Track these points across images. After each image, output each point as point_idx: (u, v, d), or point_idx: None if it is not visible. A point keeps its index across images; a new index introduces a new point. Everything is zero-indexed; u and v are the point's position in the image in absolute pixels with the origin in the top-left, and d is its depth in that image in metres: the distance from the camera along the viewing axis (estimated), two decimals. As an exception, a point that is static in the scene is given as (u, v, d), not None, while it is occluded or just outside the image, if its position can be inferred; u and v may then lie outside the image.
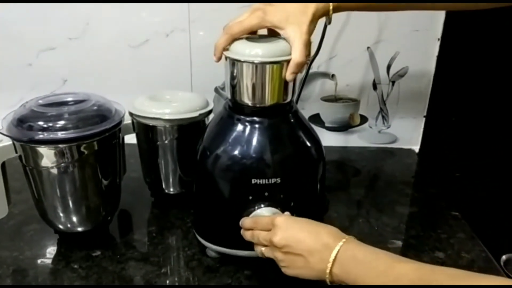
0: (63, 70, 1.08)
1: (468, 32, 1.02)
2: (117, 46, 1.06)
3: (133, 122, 0.84)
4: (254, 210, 0.68)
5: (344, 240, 0.57)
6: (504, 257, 0.91)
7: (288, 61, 0.65)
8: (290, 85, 0.68)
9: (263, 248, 0.64)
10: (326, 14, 0.68)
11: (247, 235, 0.67)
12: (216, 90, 1.05)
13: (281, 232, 0.61)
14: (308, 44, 0.66)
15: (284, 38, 0.68)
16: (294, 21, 0.65)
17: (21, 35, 1.05)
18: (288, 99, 0.69)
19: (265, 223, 0.64)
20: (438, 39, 1.06)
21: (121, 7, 1.03)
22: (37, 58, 1.07)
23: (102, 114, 0.74)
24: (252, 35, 0.70)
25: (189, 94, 0.90)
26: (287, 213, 0.68)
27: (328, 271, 0.56)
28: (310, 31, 0.66)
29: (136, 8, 1.03)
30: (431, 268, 0.49)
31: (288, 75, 0.66)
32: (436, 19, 1.05)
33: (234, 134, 0.69)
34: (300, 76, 0.70)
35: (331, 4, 0.67)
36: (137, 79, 1.08)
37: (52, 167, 0.71)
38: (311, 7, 0.66)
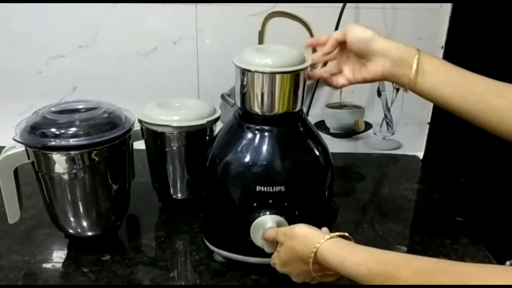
0: (73, 78, 1.10)
1: (471, 39, 1.03)
2: (126, 54, 1.08)
3: (142, 129, 0.86)
4: (259, 217, 0.69)
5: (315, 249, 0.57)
6: (508, 262, 0.91)
7: (297, 71, 0.67)
8: (300, 94, 0.69)
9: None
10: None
11: None
12: (222, 97, 1.07)
13: (292, 275, 0.63)
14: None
15: (294, 49, 0.70)
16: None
17: (31, 43, 1.07)
18: (298, 108, 0.71)
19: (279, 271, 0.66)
20: (442, 47, 1.07)
21: (130, 15, 1.05)
22: (47, 66, 1.09)
23: (112, 121, 0.76)
24: (262, 45, 0.72)
25: (196, 102, 0.92)
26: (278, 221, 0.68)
27: None
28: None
29: (145, 16, 1.05)
30: (432, 269, 0.47)
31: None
32: (440, 27, 1.06)
33: (243, 142, 0.70)
34: (309, 84, 0.71)
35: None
36: (145, 86, 1.10)
37: (63, 173, 0.72)
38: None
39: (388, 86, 1.11)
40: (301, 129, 0.72)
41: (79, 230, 0.78)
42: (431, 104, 1.14)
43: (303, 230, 0.61)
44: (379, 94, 1.13)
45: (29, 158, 0.73)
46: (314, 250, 0.57)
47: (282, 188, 0.68)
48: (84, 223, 0.78)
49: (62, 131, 0.71)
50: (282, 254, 0.63)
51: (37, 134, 0.71)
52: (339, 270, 0.55)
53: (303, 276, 0.62)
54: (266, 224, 0.68)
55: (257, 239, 0.69)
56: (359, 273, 0.52)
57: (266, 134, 0.70)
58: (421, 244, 0.84)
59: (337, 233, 0.59)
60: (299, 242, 0.60)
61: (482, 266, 0.44)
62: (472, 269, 0.45)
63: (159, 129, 0.83)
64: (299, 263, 0.60)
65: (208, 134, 0.87)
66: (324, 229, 0.64)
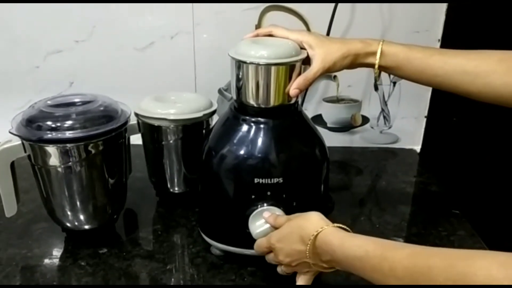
0: (70, 72, 1.10)
1: (468, 32, 1.03)
2: (123, 48, 1.08)
3: (138, 123, 0.86)
4: (257, 209, 0.69)
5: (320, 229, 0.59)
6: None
7: (292, 63, 0.67)
8: None
9: (282, 267, 0.67)
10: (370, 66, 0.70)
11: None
12: (219, 91, 1.07)
13: (281, 252, 0.64)
14: (325, 72, 0.68)
15: (289, 41, 0.70)
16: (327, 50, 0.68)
17: (29, 38, 1.07)
18: (293, 100, 0.71)
19: (265, 246, 0.67)
20: (439, 40, 1.08)
21: (127, 10, 1.05)
22: (45, 61, 1.09)
23: (108, 114, 0.76)
24: (258, 37, 0.72)
25: (193, 95, 0.92)
26: (278, 213, 0.69)
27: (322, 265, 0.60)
28: (336, 64, 0.69)
29: (142, 11, 1.05)
30: (425, 252, 0.50)
31: (292, 90, 0.68)
32: (436, 20, 1.06)
33: (239, 134, 0.70)
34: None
35: (377, 63, 0.69)
36: (142, 80, 1.10)
37: (60, 166, 0.73)
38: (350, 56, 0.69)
39: (385, 80, 1.11)
40: (297, 121, 0.73)
41: (76, 223, 0.79)
42: (428, 98, 1.15)
43: (317, 215, 0.62)
44: (376, 88, 1.13)
45: (25, 151, 0.73)
46: (320, 230, 0.59)
47: (280, 180, 0.69)
48: (81, 217, 0.78)
49: (58, 124, 0.71)
50: (285, 228, 0.64)
51: (33, 127, 0.71)
52: (337, 251, 0.56)
53: (291, 256, 0.63)
54: (273, 211, 0.68)
55: (254, 228, 0.69)
56: (356, 254, 0.54)
57: (262, 126, 0.70)
58: (418, 236, 0.85)
59: (342, 225, 0.60)
60: (307, 222, 0.62)
61: (472, 250, 0.47)
62: (461, 252, 0.47)
63: (156, 123, 0.83)
64: (296, 241, 0.61)
65: (204, 127, 0.87)
66: None
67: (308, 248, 0.59)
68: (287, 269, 0.66)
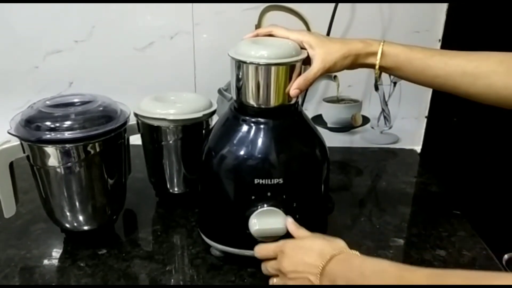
0: (69, 73, 1.10)
1: (468, 33, 1.03)
2: (123, 48, 1.08)
3: (138, 123, 0.85)
4: (257, 209, 0.69)
5: (337, 252, 0.58)
6: (506, 256, 0.91)
7: (292, 63, 0.67)
8: None
9: (275, 280, 0.66)
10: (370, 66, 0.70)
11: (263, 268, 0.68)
12: (219, 91, 1.07)
13: (288, 260, 0.62)
14: (325, 72, 0.68)
15: (289, 41, 0.69)
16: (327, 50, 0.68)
17: (28, 38, 1.07)
18: (293, 101, 0.70)
19: (272, 250, 0.66)
20: (439, 40, 1.07)
21: (127, 10, 1.04)
22: (44, 61, 1.09)
23: (107, 114, 0.75)
24: (258, 37, 0.72)
25: (193, 95, 0.92)
26: (287, 218, 0.69)
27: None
28: (337, 65, 0.68)
29: (141, 11, 1.05)
30: (443, 273, 0.48)
31: (292, 90, 0.67)
32: (437, 20, 1.06)
33: (239, 134, 0.70)
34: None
35: (377, 63, 0.69)
36: (142, 80, 1.10)
37: (59, 167, 0.72)
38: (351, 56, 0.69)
39: (386, 80, 1.11)
40: (297, 121, 0.72)
41: (75, 224, 0.78)
42: (429, 98, 1.14)
43: (343, 242, 0.62)
44: (376, 88, 1.13)
45: (24, 152, 0.73)
46: (345, 251, 0.59)
47: (281, 180, 0.68)
48: (80, 217, 0.77)
49: (57, 124, 0.71)
50: (306, 241, 0.63)
51: (32, 127, 0.71)
52: (355, 268, 0.55)
53: (296, 267, 0.61)
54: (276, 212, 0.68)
55: (258, 223, 0.68)
56: (373, 269, 0.54)
57: (262, 126, 0.69)
58: (418, 236, 0.84)
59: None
60: (333, 242, 0.61)
61: (489, 272, 0.46)
62: (478, 273, 0.46)
63: (155, 123, 0.83)
64: (313, 254, 0.60)
65: (204, 127, 0.87)
66: None
67: (323, 263, 0.58)
68: (281, 281, 0.64)
